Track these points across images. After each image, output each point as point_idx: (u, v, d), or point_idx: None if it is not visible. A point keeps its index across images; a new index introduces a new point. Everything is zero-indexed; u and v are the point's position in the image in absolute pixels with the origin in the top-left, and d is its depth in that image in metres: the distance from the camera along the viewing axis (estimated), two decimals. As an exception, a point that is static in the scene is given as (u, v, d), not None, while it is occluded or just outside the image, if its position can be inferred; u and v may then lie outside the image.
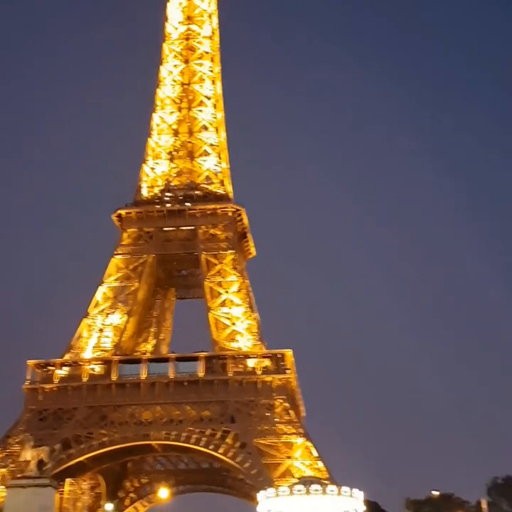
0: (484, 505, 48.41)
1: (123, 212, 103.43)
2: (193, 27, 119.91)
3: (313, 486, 32.75)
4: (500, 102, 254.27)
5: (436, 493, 64.99)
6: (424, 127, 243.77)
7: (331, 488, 33.07)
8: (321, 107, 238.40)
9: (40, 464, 33.46)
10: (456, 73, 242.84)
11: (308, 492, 32.76)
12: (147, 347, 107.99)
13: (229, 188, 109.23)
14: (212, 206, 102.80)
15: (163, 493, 76.71)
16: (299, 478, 34.29)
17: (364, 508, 35.06)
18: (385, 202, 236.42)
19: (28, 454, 33.93)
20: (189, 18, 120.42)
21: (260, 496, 35.12)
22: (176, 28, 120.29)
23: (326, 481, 35.35)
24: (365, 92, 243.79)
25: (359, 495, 34.07)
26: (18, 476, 33.35)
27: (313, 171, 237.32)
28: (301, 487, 32.89)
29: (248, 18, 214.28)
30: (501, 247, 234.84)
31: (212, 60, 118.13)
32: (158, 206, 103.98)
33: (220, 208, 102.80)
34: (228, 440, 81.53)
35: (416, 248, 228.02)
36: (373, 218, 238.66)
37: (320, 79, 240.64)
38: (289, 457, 79.49)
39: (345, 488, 33.30)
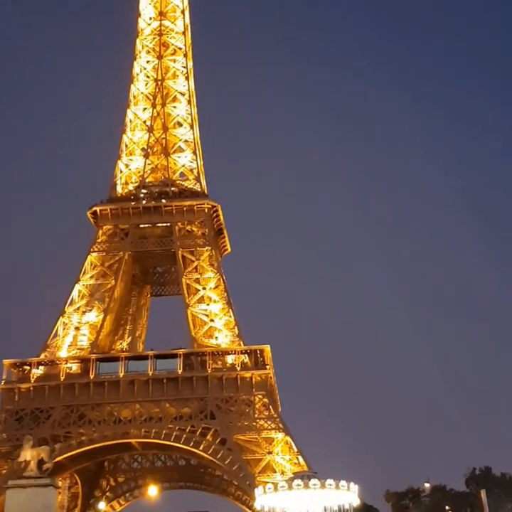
0: (484, 498, 49.21)
1: (98, 209, 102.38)
2: (166, 23, 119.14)
3: (312, 481, 33.21)
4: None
5: (427, 484, 66.11)
6: (426, 124, 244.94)
7: (330, 481, 33.57)
8: (302, 100, 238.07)
9: (40, 463, 33.16)
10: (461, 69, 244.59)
11: (306, 486, 33.21)
12: (123, 344, 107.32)
13: (204, 185, 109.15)
14: (189, 203, 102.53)
15: (152, 490, 76.02)
16: (294, 473, 34.57)
17: (359, 501, 35.79)
18: (371, 197, 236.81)
19: (28, 454, 33.55)
20: (161, 14, 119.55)
21: (258, 491, 35.46)
22: (149, 24, 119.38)
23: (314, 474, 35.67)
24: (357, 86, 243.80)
25: (355, 489, 34.73)
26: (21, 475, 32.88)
27: (299, 165, 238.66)
28: (299, 482, 33.31)
29: (218, 14, 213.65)
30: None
31: (185, 55, 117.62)
32: (133, 203, 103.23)
33: (197, 205, 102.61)
34: (208, 437, 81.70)
35: (405, 233, 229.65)
36: (345, 210, 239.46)
37: (301, 71, 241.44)
38: (269, 452, 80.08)
39: (342, 482, 33.84)
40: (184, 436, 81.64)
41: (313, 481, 33.12)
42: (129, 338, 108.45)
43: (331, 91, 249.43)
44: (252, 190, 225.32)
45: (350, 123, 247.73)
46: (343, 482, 33.77)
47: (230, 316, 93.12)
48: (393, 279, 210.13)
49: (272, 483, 35.38)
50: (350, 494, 34.65)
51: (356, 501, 35.56)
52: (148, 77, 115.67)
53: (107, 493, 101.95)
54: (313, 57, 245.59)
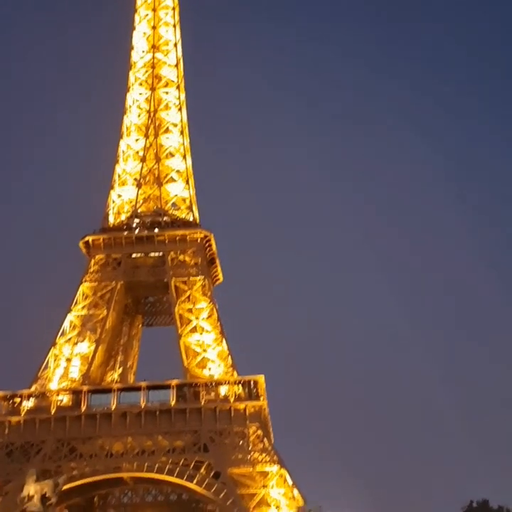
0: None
1: (90, 238, 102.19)
2: (159, 56, 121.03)
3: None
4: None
5: None
6: (427, 126, 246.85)
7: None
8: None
9: (44, 498, 32.32)
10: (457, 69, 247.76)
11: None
12: (114, 376, 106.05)
13: (196, 214, 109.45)
14: (181, 232, 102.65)
15: None
16: (298, 507, 33.63)
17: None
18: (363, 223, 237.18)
19: (31, 488, 32.79)
20: (154, 47, 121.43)
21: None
22: (142, 57, 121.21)
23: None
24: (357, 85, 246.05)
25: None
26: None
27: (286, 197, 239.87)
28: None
29: (210, 45, 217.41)
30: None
31: (177, 88, 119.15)
32: (126, 232, 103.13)
33: (189, 234, 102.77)
34: (202, 470, 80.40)
35: (396, 265, 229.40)
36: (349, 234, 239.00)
37: (295, 86, 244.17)
38: (264, 486, 78.77)
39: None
40: (177, 469, 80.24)
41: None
42: (120, 369, 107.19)
43: (327, 98, 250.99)
44: (244, 218, 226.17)
45: (350, 123, 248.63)
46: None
47: (223, 346, 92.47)
48: (394, 300, 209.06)
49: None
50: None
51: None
52: (140, 108, 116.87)
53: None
54: (305, 91, 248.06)
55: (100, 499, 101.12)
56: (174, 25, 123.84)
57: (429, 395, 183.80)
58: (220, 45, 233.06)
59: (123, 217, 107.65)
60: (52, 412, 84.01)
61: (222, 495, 77.51)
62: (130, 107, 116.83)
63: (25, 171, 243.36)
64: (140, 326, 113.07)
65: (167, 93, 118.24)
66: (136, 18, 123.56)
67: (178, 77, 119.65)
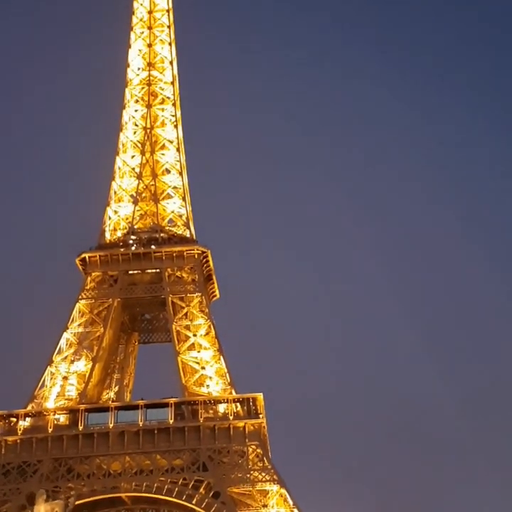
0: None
1: (87, 255, 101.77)
2: (155, 73, 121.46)
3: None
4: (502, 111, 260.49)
5: None
6: (421, 133, 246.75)
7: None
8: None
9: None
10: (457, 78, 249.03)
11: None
12: (110, 394, 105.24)
13: (193, 230, 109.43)
14: (178, 249, 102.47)
15: None
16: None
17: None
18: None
19: (42, 509, 32.30)
20: (150, 65, 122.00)
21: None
22: (138, 74, 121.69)
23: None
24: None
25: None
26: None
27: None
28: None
29: (206, 61, 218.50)
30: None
31: (173, 104, 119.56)
32: (122, 249, 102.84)
33: (186, 250, 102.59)
34: (201, 490, 79.54)
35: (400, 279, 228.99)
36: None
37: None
38: (264, 506, 78.10)
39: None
40: (176, 489, 79.45)
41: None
42: (116, 387, 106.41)
43: (327, 110, 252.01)
44: (241, 235, 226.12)
45: (350, 133, 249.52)
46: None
47: (221, 364, 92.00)
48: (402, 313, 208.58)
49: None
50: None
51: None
52: (136, 125, 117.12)
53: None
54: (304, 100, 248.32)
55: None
56: (170, 43, 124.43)
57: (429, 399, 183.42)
58: (218, 64, 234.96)
59: (119, 233, 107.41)
60: (50, 431, 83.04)
61: (222, 515, 76.68)
62: (126, 123, 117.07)
63: (23, 186, 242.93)
64: (136, 343, 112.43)
65: (163, 110, 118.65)
66: (132, 36, 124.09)
67: (174, 94, 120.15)
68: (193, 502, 78.64)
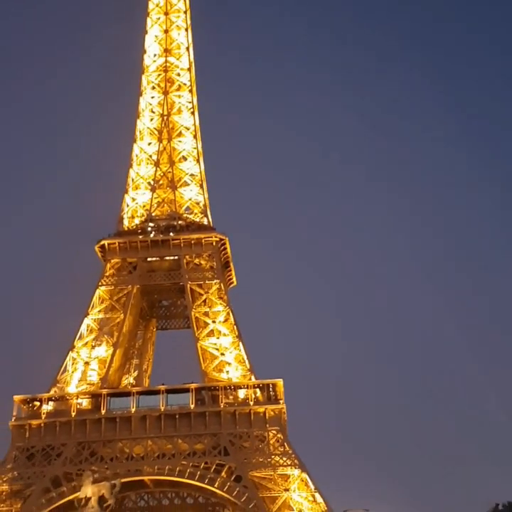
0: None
1: (106, 242, 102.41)
2: (171, 59, 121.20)
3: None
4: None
5: None
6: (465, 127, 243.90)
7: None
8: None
9: (101, 500, 32.65)
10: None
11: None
12: (129, 379, 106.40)
13: (210, 218, 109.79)
14: (197, 236, 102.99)
15: None
16: (344, 511, 34.18)
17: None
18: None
19: (89, 490, 33.08)
20: (166, 51, 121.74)
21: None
22: (154, 61, 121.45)
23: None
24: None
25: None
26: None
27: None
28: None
29: (221, 46, 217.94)
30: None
31: (190, 91, 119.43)
32: (141, 236, 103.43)
33: (205, 238, 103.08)
34: (223, 473, 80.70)
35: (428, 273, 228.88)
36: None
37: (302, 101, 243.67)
38: (286, 490, 79.17)
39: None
40: (198, 473, 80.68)
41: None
42: (136, 373, 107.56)
43: (342, 105, 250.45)
44: (258, 222, 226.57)
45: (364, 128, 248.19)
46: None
47: (240, 350, 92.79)
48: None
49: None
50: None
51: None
52: (153, 112, 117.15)
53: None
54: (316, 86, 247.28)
55: (116, 502, 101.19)
56: (186, 29, 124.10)
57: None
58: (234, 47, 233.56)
59: (137, 221, 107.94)
60: (73, 415, 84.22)
61: (244, 498, 77.89)
62: (143, 110, 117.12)
63: (39, 175, 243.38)
64: (154, 329, 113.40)
65: (180, 96, 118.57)
66: (148, 21, 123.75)
67: (190, 80, 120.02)
68: (215, 485, 79.86)
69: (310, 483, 78.96)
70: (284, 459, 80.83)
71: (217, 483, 79.76)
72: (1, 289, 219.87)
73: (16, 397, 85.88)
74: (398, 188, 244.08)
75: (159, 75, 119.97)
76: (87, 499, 32.56)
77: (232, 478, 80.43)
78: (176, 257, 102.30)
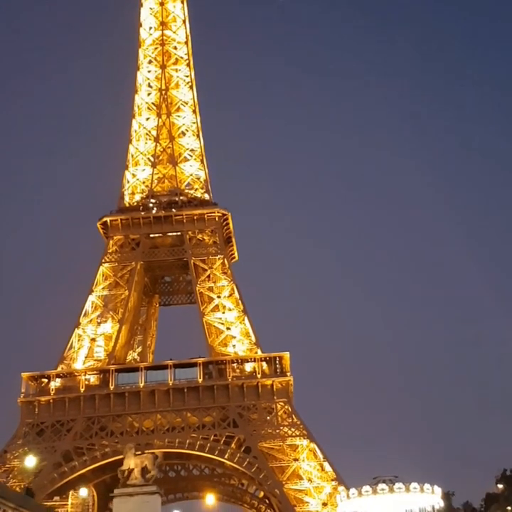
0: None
1: (108, 219, 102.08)
2: (168, 32, 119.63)
3: (397, 484, 33.89)
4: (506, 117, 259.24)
5: None
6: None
7: (414, 485, 34.29)
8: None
9: (144, 471, 33.27)
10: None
11: (391, 490, 33.85)
12: (133, 355, 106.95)
13: (211, 193, 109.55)
14: (199, 211, 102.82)
15: (210, 499, 75.63)
16: (375, 477, 35.19)
17: (443, 503, 36.59)
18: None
19: (131, 462, 33.63)
20: (163, 24, 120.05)
21: (340, 496, 36.00)
22: (150, 34, 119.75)
23: (392, 479, 36.25)
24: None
25: (438, 491, 35.49)
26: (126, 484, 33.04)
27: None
28: (384, 486, 33.94)
29: (218, 19, 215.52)
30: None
31: (187, 65, 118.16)
32: (143, 213, 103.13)
33: (207, 213, 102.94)
34: (233, 445, 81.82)
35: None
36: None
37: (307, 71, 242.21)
38: (295, 460, 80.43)
39: (427, 485, 34.60)
40: (208, 445, 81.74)
41: (398, 485, 33.77)
42: (139, 348, 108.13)
43: (339, 100, 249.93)
44: (259, 197, 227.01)
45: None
46: (427, 485, 34.50)
47: (246, 324, 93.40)
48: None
49: (356, 488, 35.85)
50: (434, 497, 35.37)
51: (440, 503, 36.31)
52: (151, 86, 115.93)
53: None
54: (316, 66, 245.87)
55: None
56: (182, 1, 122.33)
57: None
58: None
59: (138, 197, 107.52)
60: (82, 390, 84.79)
61: (254, 469, 79.12)
62: (141, 85, 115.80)
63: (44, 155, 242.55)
64: (157, 305, 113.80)
65: (177, 71, 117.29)
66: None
67: (187, 54, 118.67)
68: (225, 457, 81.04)
69: (318, 453, 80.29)
70: (293, 429, 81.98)
71: (227, 455, 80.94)
72: (9, 269, 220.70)
73: (24, 374, 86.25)
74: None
75: (156, 48, 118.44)
76: (130, 471, 33.08)
77: (242, 449, 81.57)
78: (179, 233, 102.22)
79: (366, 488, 34.72)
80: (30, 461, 28.92)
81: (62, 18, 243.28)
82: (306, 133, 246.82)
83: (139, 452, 37.03)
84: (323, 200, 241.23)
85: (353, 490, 35.43)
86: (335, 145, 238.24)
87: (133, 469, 33.23)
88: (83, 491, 75.58)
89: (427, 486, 34.73)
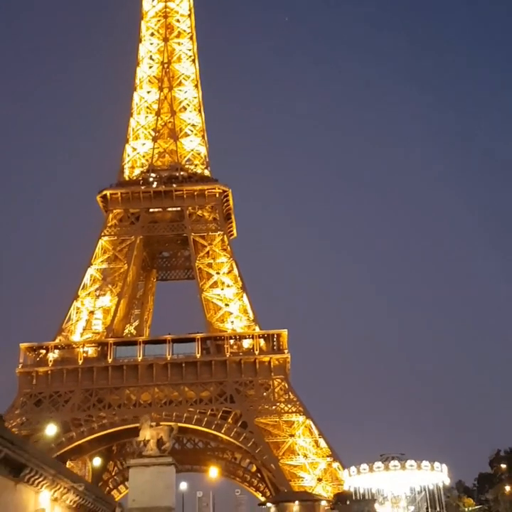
0: None
1: (108, 192, 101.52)
2: (171, 4, 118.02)
3: (409, 462, 34.45)
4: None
5: None
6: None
7: (425, 463, 34.88)
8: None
9: (159, 443, 33.60)
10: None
11: (403, 467, 34.44)
12: (130, 329, 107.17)
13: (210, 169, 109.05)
14: (200, 187, 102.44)
15: (213, 472, 76.55)
16: (381, 454, 35.67)
17: (449, 481, 37.29)
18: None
19: (147, 433, 33.86)
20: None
21: (350, 471, 36.53)
22: (153, 6, 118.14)
23: (398, 455, 36.91)
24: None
25: (445, 469, 36.11)
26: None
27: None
28: (396, 462, 34.50)
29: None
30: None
31: (190, 38, 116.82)
32: (143, 187, 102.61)
33: (208, 189, 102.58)
34: (229, 420, 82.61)
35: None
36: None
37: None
38: (291, 436, 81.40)
39: (436, 464, 35.26)
40: (205, 419, 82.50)
41: (410, 462, 34.34)
42: (136, 322, 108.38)
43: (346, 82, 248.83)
44: (259, 174, 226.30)
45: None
46: (437, 463, 35.15)
47: (244, 301, 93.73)
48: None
49: (367, 464, 36.38)
50: (442, 475, 36.05)
51: (447, 481, 37.02)
52: (153, 59, 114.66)
53: (115, 477, 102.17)
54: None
55: (118, 448, 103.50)
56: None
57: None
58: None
59: (138, 171, 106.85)
60: (80, 363, 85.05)
61: (250, 443, 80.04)
62: (143, 58, 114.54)
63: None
64: (155, 280, 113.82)
65: (180, 44, 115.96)
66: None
67: (190, 27, 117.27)
68: (222, 431, 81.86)
69: (314, 429, 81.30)
70: (289, 406, 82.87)
71: (224, 429, 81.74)
72: (13, 242, 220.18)
73: (23, 345, 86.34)
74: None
75: (159, 20, 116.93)
76: (146, 442, 33.42)
77: (238, 424, 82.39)
78: (179, 208, 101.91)
79: (378, 464, 35.27)
80: (52, 430, 28.89)
81: (62, 18, 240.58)
82: (309, 118, 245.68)
83: (155, 423, 37.26)
84: (322, 190, 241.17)
85: (364, 465, 35.96)
86: (338, 140, 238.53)
87: (149, 440, 33.50)
88: (96, 461, 76.51)
89: (436, 464, 35.36)
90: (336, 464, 78.58)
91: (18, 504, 25.01)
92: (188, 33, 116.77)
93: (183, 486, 48.58)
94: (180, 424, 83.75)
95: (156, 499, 31.88)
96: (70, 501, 31.11)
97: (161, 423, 44.25)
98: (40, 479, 26.42)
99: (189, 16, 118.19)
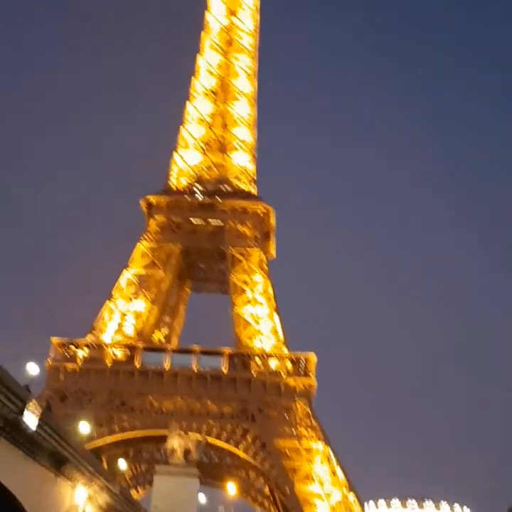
0: None
1: (153, 199, 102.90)
2: (235, 20, 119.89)
3: (427, 502, 33.87)
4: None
5: None
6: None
7: (444, 504, 34.20)
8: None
9: (187, 453, 33.73)
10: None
11: (421, 507, 33.88)
12: (159, 336, 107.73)
13: (256, 187, 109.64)
14: (243, 203, 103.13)
15: (231, 488, 76.34)
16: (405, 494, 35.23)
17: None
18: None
19: (175, 442, 34.11)
20: (231, 12, 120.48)
21: (368, 505, 36.07)
22: (217, 20, 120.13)
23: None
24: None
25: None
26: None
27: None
28: (413, 501, 33.97)
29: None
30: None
31: (250, 56, 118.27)
32: (188, 197, 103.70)
33: (250, 206, 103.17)
34: (248, 438, 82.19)
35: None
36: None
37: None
38: (309, 461, 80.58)
39: (456, 505, 34.51)
40: (224, 434, 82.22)
41: (428, 503, 33.75)
42: (167, 330, 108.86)
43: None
44: (303, 197, 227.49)
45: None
46: (456, 505, 34.42)
47: (275, 322, 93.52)
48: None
49: (384, 499, 35.86)
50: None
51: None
52: (211, 73, 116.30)
53: (129, 481, 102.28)
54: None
55: (134, 452, 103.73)
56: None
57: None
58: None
59: (184, 181, 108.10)
60: (109, 364, 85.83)
61: (267, 465, 79.43)
62: (200, 69, 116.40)
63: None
64: (188, 290, 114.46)
65: (239, 60, 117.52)
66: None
67: (252, 45, 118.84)
68: (240, 448, 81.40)
69: (332, 458, 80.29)
70: (310, 431, 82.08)
71: (242, 447, 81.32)
72: (34, 230, 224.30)
73: (54, 339, 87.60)
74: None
75: (220, 35, 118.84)
76: (173, 450, 33.60)
77: (257, 444, 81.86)
78: (220, 222, 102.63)
79: (395, 500, 34.72)
80: (85, 428, 29.04)
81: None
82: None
83: (183, 432, 37.39)
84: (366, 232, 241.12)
85: (381, 500, 35.43)
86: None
87: (176, 450, 33.61)
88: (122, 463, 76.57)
89: (456, 505, 34.62)
90: (351, 496, 77.29)
91: (56, 498, 25.34)
92: (249, 51, 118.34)
93: (202, 498, 48.45)
94: (199, 436, 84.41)
95: (177, 508, 31.98)
96: (102, 501, 31.37)
97: (189, 433, 44.32)
98: (78, 475, 26.68)
99: (253, 33, 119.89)
